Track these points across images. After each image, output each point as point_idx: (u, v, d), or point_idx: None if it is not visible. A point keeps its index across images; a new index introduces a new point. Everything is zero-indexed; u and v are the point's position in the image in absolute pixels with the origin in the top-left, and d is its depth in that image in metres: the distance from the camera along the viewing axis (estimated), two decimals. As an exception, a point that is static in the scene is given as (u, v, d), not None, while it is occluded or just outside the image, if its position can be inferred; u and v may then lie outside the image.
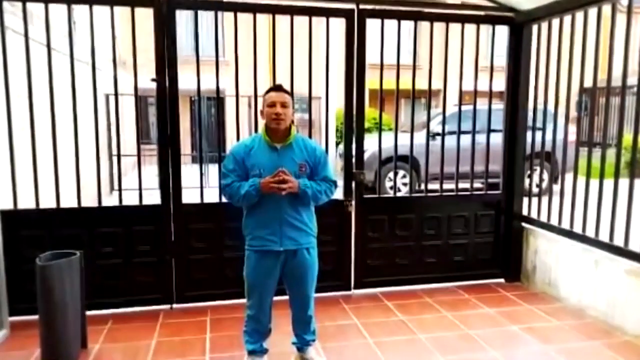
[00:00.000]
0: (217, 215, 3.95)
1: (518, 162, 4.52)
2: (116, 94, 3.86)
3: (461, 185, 4.57)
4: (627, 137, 6.97)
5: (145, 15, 3.74)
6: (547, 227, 4.29)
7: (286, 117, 2.78)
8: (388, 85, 4.16)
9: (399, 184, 8.77)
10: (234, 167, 2.82)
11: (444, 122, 4.42)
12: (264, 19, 3.94)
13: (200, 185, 4.11)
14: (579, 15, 3.86)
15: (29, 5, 3.60)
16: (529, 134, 4.49)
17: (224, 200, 3.27)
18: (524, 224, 4.57)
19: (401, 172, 8.78)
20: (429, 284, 4.46)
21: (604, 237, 3.70)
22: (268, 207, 2.78)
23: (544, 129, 4.29)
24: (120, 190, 3.92)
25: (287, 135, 2.83)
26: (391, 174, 7.70)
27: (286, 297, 3.03)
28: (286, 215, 2.80)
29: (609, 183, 3.60)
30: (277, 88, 2.86)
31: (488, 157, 4.50)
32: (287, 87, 2.97)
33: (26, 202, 3.70)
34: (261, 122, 2.90)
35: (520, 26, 4.34)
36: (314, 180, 2.87)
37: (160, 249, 3.92)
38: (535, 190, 5.20)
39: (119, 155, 4.04)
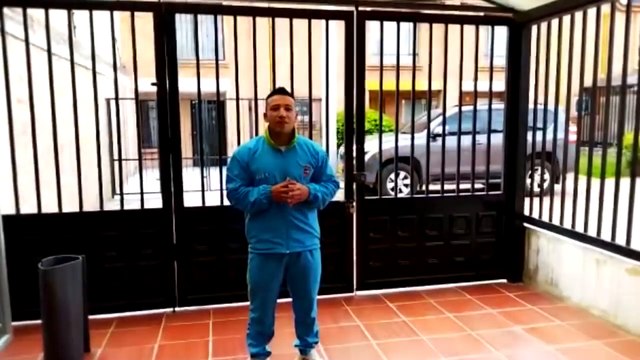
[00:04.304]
0: (219, 218, 3.95)
1: (519, 162, 4.52)
2: (117, 98, 3.87)
3: (462, 186, 4.57)
4: (628, 136, 7.00)
5: (146, 19, 3.76)
6: (549, 227, 4.29)
7: (290, 120, 2.78)
8: (388, 87, 4.17)
9: (400, 185, 8.78)
10: (239, 172, 2.81)
11: (444, 123, 4.42)
12: (263, 22, 3.94)
13: (201, 188, 4.12)
14: (578, 14, 3.86)
15: (29, 10, 3.61)
16: (529, 133, 4.49)
17: (225, 203, 3.27)
18: (525, 224, 4.56)
19: (402, 174, 8.79)
20: (431, 285, 4.46)
21: (605, 236, 3.70)
22: (273, 210, 2.78)
23: (544, 129, 4.29)
24: (122, 194, 3.92)
25: (291, 138, 2.84)
26: (392, 175, 7.70)
27: (289, 300, 3.03)
28: (291, 217, 2.80)
29: (610, 182, 3.60)
30: (280, 91, 2.85)
31: (489, 157, 4.50)
32: (287, 89, 2.97)
33: (28, 207, 3.70)
34: (262, 125, 2.90)
35: (519, 26, 4.35)
36: (320, 180, 2.89)
37: (162, 253, 3.92)
38: (536, 190, 5.20)
39: (120, 160, 4.05)
